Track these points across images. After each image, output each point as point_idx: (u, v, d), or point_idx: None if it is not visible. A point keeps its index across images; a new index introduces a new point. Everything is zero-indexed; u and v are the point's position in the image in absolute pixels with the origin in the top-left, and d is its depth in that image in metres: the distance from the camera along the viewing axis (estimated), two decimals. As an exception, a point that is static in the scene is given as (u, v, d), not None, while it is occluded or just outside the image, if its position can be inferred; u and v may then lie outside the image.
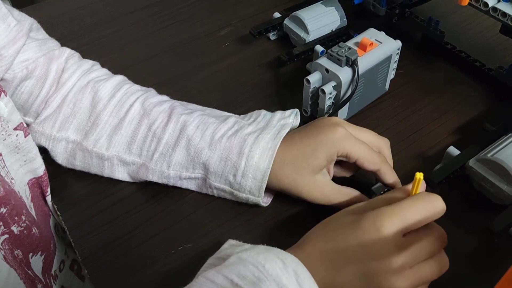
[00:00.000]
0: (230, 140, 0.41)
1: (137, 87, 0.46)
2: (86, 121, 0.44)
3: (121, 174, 0.44)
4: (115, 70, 0.49)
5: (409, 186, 0.36)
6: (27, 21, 0.44)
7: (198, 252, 0.40)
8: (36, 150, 0.42)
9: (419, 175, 0.34)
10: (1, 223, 0.37)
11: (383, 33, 0.50)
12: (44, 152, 0.45)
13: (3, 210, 0.37)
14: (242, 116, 0.45)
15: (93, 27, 0.64)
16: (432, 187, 0.42)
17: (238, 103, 0.53)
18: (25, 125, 0.41)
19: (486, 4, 0.46)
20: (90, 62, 0.49)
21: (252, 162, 0.40)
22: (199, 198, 0.44)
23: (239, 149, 0.40)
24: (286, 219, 0.42)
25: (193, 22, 0.64)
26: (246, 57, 0.59)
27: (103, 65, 0.49)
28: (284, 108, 0.45)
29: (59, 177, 0.46)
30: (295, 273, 0.31)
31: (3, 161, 0.39)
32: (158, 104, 0.44)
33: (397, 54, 0.50)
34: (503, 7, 0.46)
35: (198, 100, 0.49)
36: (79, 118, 0.44)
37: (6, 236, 0.38)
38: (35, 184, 0.43)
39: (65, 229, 0.43)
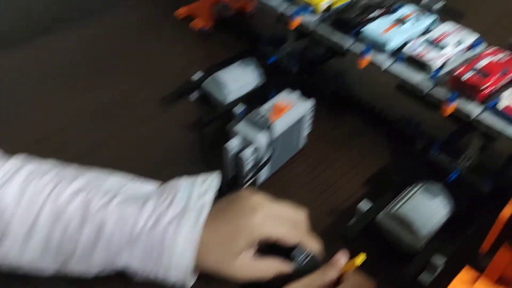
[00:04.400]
0: (149, 235, 0.40)
1: (46, 179, 0.42)
2: None
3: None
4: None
5: (341, 261, 0.41)
6: None
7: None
8: None
9: (360, 260, 0.40)
10: None
11: (297, 92, 0.54)
12: None
13: None
14: (160, 189, 0.45)
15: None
16: (347, 243, 0.45)
17: (161, 167, 0.53)
18: None
19: (381, 67, 0.52)
20: None
21: (174, 259, 0.40)
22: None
23: (160, 244, 0.40)
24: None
25: (111, 85, 0.63)
26: (168, 119, 0.60)
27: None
28: (209, 169, 0.46)
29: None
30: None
31: None
32: (71, 199, 0.41)
33: (309, 113, 0.54)
34: (396, 68, 0.51)
35: (120, 167, 0.47)
36: None
37: None
38: None
39: None
